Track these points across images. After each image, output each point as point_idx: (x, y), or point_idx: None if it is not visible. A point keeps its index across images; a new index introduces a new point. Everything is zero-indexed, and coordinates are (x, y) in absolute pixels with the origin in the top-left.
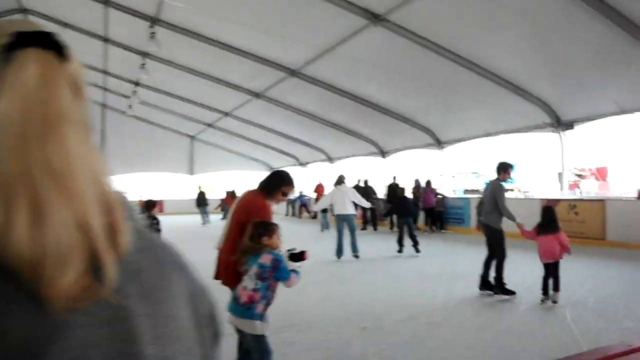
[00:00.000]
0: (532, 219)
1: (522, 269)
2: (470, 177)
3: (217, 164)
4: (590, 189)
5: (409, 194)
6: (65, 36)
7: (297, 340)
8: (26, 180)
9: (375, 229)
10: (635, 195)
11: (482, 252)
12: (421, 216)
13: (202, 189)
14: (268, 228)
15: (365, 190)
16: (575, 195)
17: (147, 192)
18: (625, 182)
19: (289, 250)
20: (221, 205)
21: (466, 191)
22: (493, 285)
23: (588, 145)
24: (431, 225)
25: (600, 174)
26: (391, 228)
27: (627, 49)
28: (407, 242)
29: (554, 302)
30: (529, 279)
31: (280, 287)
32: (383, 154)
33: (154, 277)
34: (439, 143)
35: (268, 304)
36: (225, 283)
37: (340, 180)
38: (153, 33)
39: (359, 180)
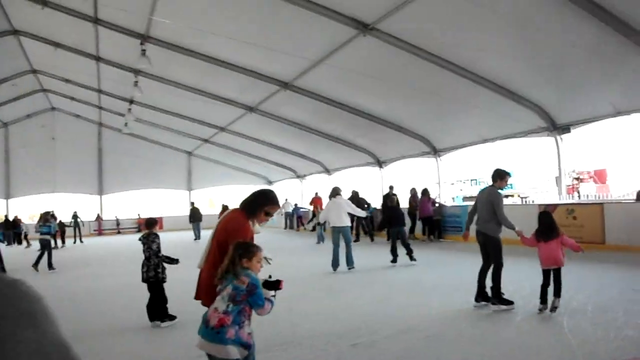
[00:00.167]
0: (532, 224)
1: (518, 276)
2: (469, 184)
3: (215, 179)
4: (589, 192)
5: (405, 203)
6: (57, 55)
7: (285, 359)
8: None
9: (372, 240)
10: (635, 197)
11: (480, 261)
12: (418, 225)
13: (195, 205)
14: (248, 250)
15: (358, 202)
16: (573, 199)
17: (146, 210)
18: (625, 184)
19: (265, 279)
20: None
21: (465, 198)
22: (490, 296)
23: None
24: (429, 234)
25: (599, 176)
26: (388, 239)
27: (621, 50)
28: (402, 251)
29: (555, 307)
30: (525, 286)
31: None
32: (380, 163)
33: None
34: (435, 151)
35: (241, 329)
36: (204, 304)
37: (335, 192)
38: (144, 50)
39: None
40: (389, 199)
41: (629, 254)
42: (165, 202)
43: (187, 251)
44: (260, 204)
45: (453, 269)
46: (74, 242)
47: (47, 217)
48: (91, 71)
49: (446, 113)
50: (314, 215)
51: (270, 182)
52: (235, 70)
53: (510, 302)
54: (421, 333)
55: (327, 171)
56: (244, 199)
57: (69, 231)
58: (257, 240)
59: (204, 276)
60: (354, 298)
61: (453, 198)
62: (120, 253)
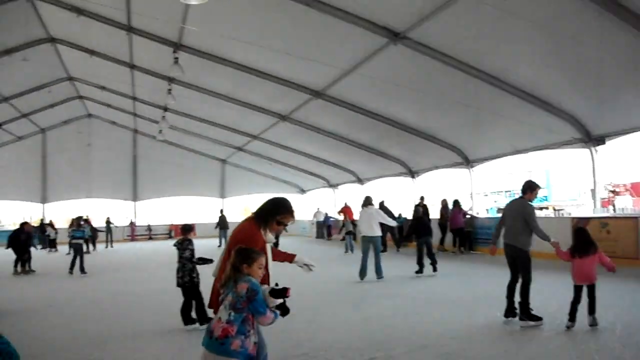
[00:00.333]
0: (564, 238)
1: (545, 292)
2: (503, 196)
3: (249, 187)
4: (625, 205)
5: (436, 214)
6: (93, 63)
7: None
8: None
9: (398, 250)
10: None
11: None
12: (449, 237)
13: (224, 213)
14: (248, 255)
15: (385, 211)
16: (608, 212)
17: (179, 217)
18: None
19: (272, 286)
20: None
21: (499, 210)
22: (518, 311)
23: (622, 161)
24: (459, 246)
25: (636, 190)
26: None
27: None
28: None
29: (592, 325)
30: (552, 303)
31: (292, 313)
32: (412, 174)
33: None
34: (468, 162)
35: (247, 339)
36: (217, 312)
37: (367, 202)
38: (176, 58)
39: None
40: (417, 208)
41: None
42: (198, 209)
43: (209, 256)
44: (273, 213)
45: (480, 282)
46: (105, 247)
47: (79, 222)
48: (126, 78)
49: (479, 123)
50: (344, 225)
51: (303, 191)
52: (267, 79)
53: (539, 318)
54: (438, 350)
55: (360, 181)
56: (258, 207)
57: (102, 236)
58: (291, 248)
59: (216, 285)
60: (376, 311)
61: (487, 209)
62: (151, 259)
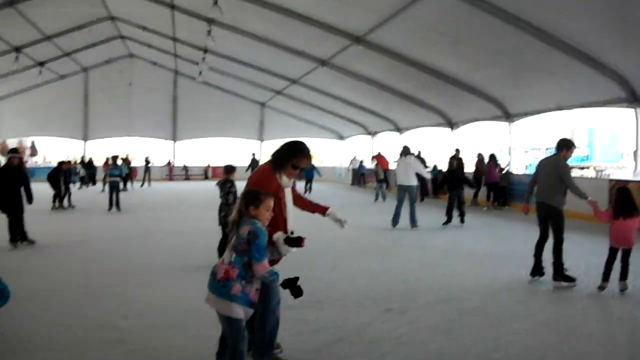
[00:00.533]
0: (601, 201)
1: (574, 253)
2: (544, 152)
3: (286, 131)
4: None
5: (472, 167)
6: (132, 3)
7: (315, 319)
8: None
9: (422, 200)
10: None
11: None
12: (483, 191)
13: (255, 156)
14: (256, 197)
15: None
16: None
17: (216, 159)
18: None
19: (287, 235)
20: None
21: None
22: (550, 270)
23: None
24: (494, 200)
25: None
26: None
27: None
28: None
29: (622, 290)
30: (581, 264)
31: (315, 261)
32: (451, 125)
33: None
34: (508, 116)
35: (248, 285)
36: None
37: (405, 151)
38: None
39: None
40: (450, 160)
41: None
42: (235, 151)
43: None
44: (289, 156)
45: (510, 239)
46: (142, 186)
47: (115, 161)
48: (166, 19)
49: (521, 77)
50: (376, 172)
51: (342, 137)
52: (307, 23)
53: (572, 279)
54: (458, 304)
55: (399, 129)
56: (274, 150)
57: (139, 175)
58: (326, 194)
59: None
60: (400, 261)
61: (526, 166)
62: (184, 199)
